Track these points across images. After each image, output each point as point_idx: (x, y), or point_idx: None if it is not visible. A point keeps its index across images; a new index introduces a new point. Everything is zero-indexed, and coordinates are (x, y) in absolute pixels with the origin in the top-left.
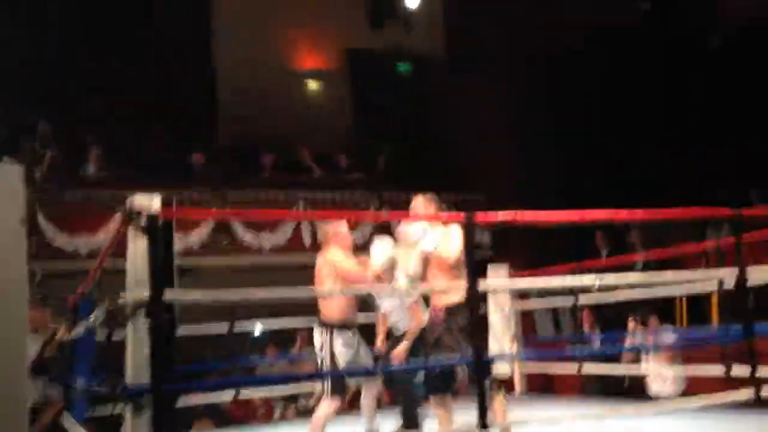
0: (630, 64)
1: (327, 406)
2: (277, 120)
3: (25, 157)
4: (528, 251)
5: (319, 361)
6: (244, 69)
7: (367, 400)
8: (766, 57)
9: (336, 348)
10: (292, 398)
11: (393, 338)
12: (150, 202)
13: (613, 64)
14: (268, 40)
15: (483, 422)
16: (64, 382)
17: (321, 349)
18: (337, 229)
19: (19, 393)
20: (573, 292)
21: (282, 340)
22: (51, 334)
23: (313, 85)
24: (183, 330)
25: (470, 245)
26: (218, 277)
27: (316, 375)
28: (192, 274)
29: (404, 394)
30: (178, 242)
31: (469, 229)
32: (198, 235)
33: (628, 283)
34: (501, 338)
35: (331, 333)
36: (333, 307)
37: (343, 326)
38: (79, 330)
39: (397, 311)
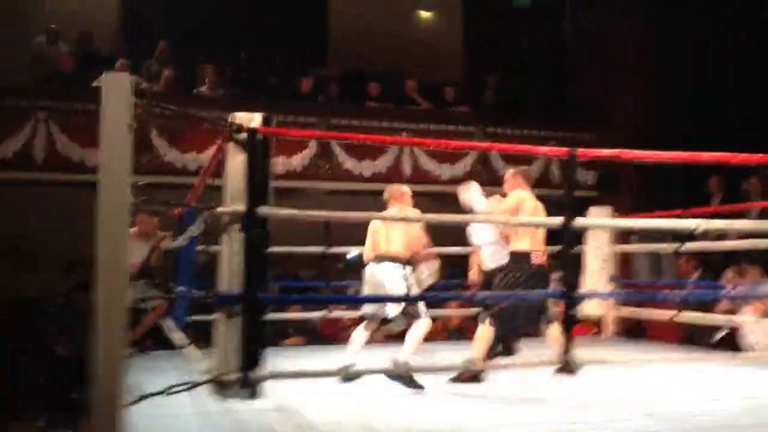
0: None
1: (424, 324)
2: (386, 49)
3: (142, 73)
4: (637, 195)
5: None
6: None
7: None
8: None
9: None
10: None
11: (484, 273)
12: (250, 118)
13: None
14: None
15: (562, 358)
16: (166, 288)
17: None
18: (404, 189)
19: (120, 294)
20: (677, 237)
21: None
22: (157, 241)
23: (425, 14)
24: (279, 248)
25: (570, 182)
26: (318, 201)
27: (406, 298)
28: (293, 195)
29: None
30: (280, 165)
31: (570, 165)
32: (300, 159)
33: (734, 231)
34: (596, 278)
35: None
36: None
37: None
38: (182, 239)
39: (488, 247)
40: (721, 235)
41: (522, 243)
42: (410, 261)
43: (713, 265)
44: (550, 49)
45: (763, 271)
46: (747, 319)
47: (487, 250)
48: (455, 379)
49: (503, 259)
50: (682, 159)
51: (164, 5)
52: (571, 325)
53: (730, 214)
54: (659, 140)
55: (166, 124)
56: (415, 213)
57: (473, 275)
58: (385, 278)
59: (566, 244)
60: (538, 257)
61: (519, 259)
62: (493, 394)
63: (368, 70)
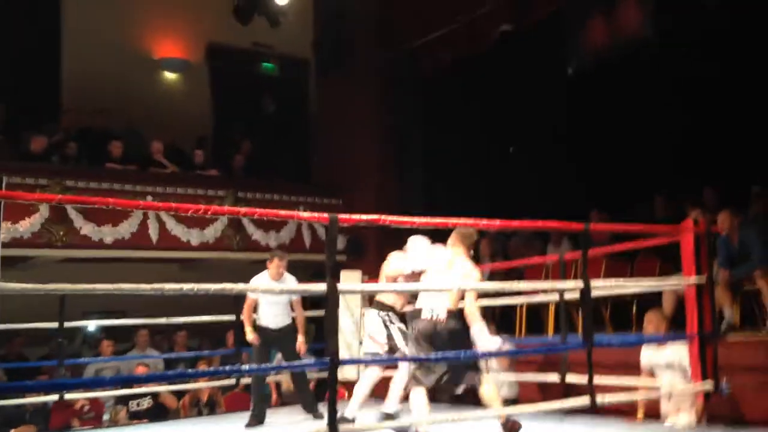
0: (492, 81)
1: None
2: (130, 109)
3: None
4: (382, 259)
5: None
6: (94, 50)
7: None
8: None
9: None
10: (123, 400)
11: None
12: None
13: (476, 82)
14: (124, 23)
15: (333, 422)
16: None
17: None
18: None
19: None
20: None
21: (119, 338)
22: None
23: (170, 75)
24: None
25: (332, 247)
26: (49, 270)
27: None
28: (18, 265)
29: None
30: (4, 231)
31: (331, 230)
32: (28, 225)
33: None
34: (350, 342)
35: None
36: None
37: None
38: None
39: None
40: None
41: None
42: None
43: None
44: (297, 117)
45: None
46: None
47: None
48: None
49: None
50: (435, 224)
51: None
52: (336, 389)
53: None
54: (401, 207)
55: None
56: None
57: None
58: None
59: (331, 310)
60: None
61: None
62: None
63: (110, 129)
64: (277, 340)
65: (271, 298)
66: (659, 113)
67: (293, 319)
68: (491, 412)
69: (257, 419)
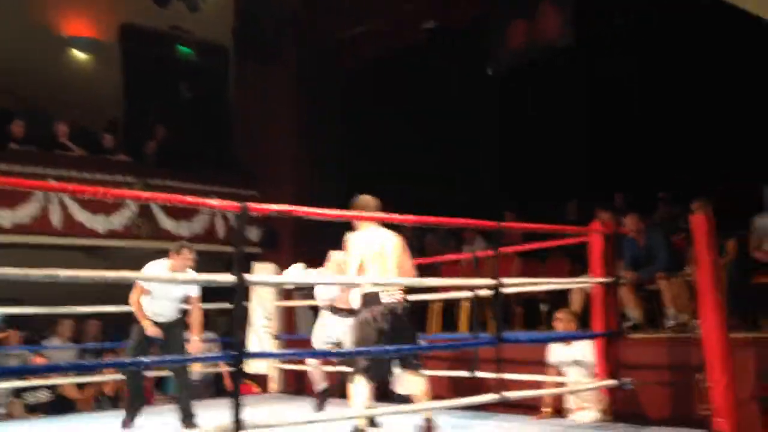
0: (413, 79)
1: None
2: (35, 88)
3: None
4: (294, 251)
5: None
6: None
7: None
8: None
9: None
10: (17, 393)
11: None
12: None
13: (397, 79)
14: None
15: (237, 419)
16: None
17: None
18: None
19: None
20: None
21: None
22: None
23: (80, 55)
24: None
25: (241, 237)
26: None
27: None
28: None
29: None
30: None
31: (241, 220)
32: None
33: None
34: (261, 335)
35: None
36: None
37: None
38: None
39: None
40: None
41: None
42: None
43: None
44: (214, 103)
45: None
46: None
47: None
48: None
49: None
50: (347, 217)
51: None
52: (239, 383)
53: None
54: (318, 201)
55: None
56: None
57: None
58: None
59: (237, 302)
60: None
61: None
62: None
63: (13, 108)
64: (164, 332)
65: (167, 292)
66: (575, 118)
67: (183, 314)
68: (419, 408)
69: (131, 418)
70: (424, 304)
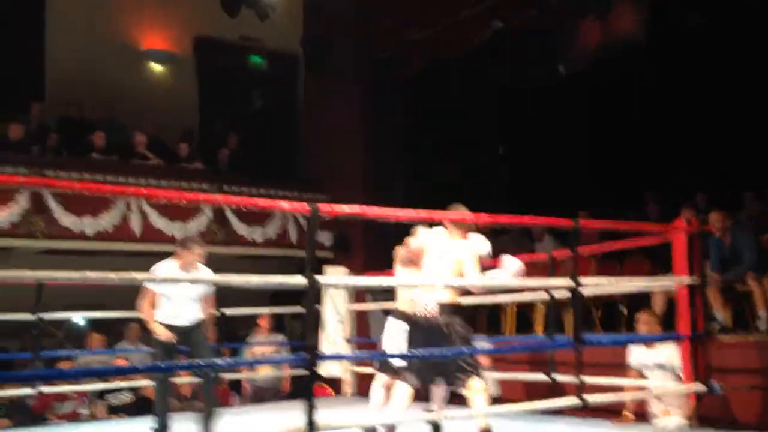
0: (477, 82)
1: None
2: (115, 100)
3: None
4: (367, 255)
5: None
6: (79, 40)
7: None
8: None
9: None
10: (100, 395)
11: None
12: None
13: (460, 82)
14: (111, 13)
15: (310, 420)
16: None
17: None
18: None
19: None
20: None
21: (107, 331)
22: None
23: (157, 67)
24: None
25: (312, 239)
26: (29, 261)
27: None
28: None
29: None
30: None
31: (311, 222)
32: (6, 215)
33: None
34: (333, 338)
35: None
36: None
37: None
38: None
39: None
40: None
41: None
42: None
43: None
44: (284, 112)
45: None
46: None
47: None
48: None
49: None
50: (419, 218)
51: None
52: (312, 385)
53: None
54: (385, 204)
55: None
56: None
57: None
58: None
59: (309, 304)
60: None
61: None
62: None
63: (93, 120)
64: (186, 336)
65: (183, 292)
66: (655, 116)
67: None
68: (478, 413)
69: (163, 427)
70: (495, 307)
